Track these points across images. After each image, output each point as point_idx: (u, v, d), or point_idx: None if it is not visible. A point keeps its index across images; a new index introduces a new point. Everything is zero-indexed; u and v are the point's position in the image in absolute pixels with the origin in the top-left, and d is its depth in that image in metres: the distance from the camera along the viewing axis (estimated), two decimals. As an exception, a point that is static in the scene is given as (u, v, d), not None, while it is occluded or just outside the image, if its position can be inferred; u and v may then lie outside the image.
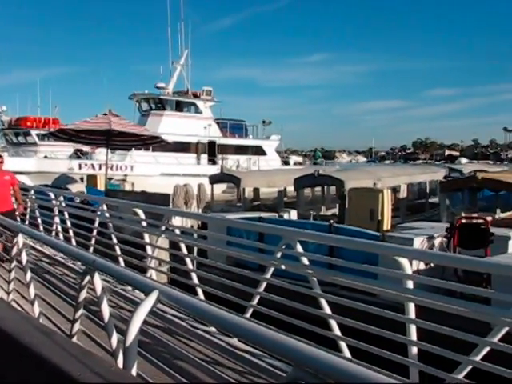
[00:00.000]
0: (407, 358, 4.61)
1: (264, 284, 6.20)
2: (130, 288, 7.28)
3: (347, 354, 5.21)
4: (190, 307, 2.92)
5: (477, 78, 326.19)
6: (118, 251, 9.50)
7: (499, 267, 5.36)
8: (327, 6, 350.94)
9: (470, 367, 4.11)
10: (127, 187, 31.90)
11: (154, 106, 44.94)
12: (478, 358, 4.05)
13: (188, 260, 7.92)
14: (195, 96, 47.21)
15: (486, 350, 4.03)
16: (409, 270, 5.01)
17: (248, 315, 6.09)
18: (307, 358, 2.09)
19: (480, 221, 10.79)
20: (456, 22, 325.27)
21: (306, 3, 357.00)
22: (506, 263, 6.71)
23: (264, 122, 52.35)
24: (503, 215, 17.55)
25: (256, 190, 22.88)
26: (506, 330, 3.95)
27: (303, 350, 2.13)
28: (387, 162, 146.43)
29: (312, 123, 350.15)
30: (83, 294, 4.50)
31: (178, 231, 8.41)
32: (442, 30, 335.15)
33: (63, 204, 12.73)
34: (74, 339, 4.59)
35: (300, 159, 64.48)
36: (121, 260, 9.28)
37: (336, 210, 18.09)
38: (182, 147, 41.31)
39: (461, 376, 4.13)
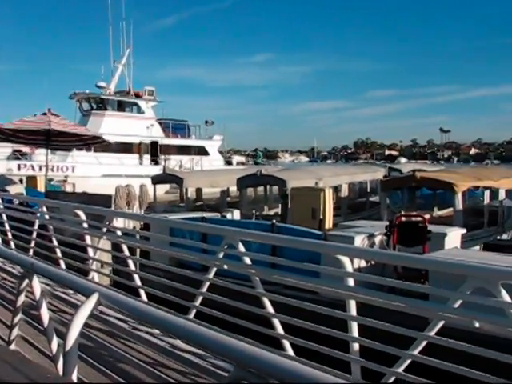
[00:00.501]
0: (349, 355, 4.68)
1: (207, 284, 6.20)
2: (71, 291, 7.15)
3: (290, 352, 5.25)
4: (132, 309, 2.90)
5: (415, 80, 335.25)
6: (59, 254, 9.32)
7: (435, 264, 5.50)
8: (271, 7, 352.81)
9: (409, 361, 4.22)
10: (68, 188, 31.32)
11: (95, 106, 44.34)
12: (416, 352, 4.16)
13: (130, 262, 7.84)
14: (137, 96, 46.81)
15: (424, 343, 4.15)
16: (349, 268, 5.08)
17: (191, 316, 6.08)
18: (249, 358, 2.10)
19: (418, 219, 11.05)
20: (396, 25, 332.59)
21: (249, 3, 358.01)
22: (442, 260, 6.90)
23: (207, 122, 52.32)
24: (440, 213, 18.08)
25: (199, 190, 22.82)
26: (441, 323, 4.07)
27: (245, 350, 2.14)
28: (329, 161, 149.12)
29: (255, 123, 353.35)
30: (22, 299, 4.40)
31: (119, 232, 8.31)
32: (384, 32, 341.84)
33: (1, 206, 12.38)
34: (13, 345, 4.49)
35: (243, 159, 64.53)
36: (62, 263, 9.10)
37: (279, 210, 18.21)
38: (124, 148, 40.90)
39: (400, 370, 4.23)
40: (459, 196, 14.26)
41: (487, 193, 16.79)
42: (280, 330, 5.37)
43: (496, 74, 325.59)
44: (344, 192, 20.02)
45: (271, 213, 19.86)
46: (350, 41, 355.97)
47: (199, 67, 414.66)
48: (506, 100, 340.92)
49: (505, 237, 16.76)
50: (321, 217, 14.50)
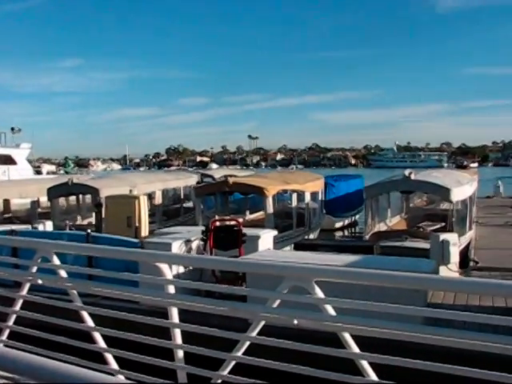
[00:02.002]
0: (174, 362, 4.68)
1: (20, 301, 5.86)
2: None
3: (114, 365, 5.11)
4: None
5: (225, 88, 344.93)
6: None
7: (251, 266, 5.68)
8: (75, 11, 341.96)
9: (234, 363, 4.31)
10: None
11: None
12: (239, 354, 4.26)
13: None
14: None
15: (247, 344, 4.26)
16: (169, 275, 5.07)
17: (5, 337, 5.71)
18: (65, 379, 2.02)
19: (233, 222, 11.37)
20: (208, 35, 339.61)
21: (57, 4, 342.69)
22: (258, 262, 7.16)
23: (13, 129, 49.57)
24: (252, 216, 18.83)
25: (6, 202, 21.61)
26: (262, 323, 4.22)
27: (58, 371, 2.05)
28: (142, 168, 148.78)
29: (66, 131, 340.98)
30: None
31: None
32: (196, 40, 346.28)
33: None
34: None
35: (53, 168, 62.12)
36: None
37: (93, 219, 17.79)
38: None
39: (225, 372, 4.31)
40: (270, 199, 14.95)
41: (295, 196, 17.75)
42: (102, 343, 5.22)
43: (301, 85, 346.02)
44: (158, 199, 20.08)
45: (85, 222, 19.39)
46: (161, 48, 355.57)
47: (4, 70, 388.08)
48: (308, 109, 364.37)
49: (311, 236, 17.91)
50: (136, 224, 14.38)
